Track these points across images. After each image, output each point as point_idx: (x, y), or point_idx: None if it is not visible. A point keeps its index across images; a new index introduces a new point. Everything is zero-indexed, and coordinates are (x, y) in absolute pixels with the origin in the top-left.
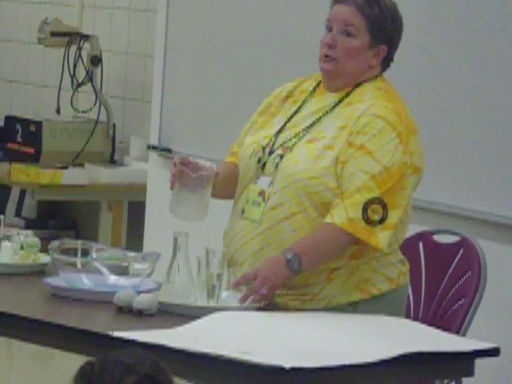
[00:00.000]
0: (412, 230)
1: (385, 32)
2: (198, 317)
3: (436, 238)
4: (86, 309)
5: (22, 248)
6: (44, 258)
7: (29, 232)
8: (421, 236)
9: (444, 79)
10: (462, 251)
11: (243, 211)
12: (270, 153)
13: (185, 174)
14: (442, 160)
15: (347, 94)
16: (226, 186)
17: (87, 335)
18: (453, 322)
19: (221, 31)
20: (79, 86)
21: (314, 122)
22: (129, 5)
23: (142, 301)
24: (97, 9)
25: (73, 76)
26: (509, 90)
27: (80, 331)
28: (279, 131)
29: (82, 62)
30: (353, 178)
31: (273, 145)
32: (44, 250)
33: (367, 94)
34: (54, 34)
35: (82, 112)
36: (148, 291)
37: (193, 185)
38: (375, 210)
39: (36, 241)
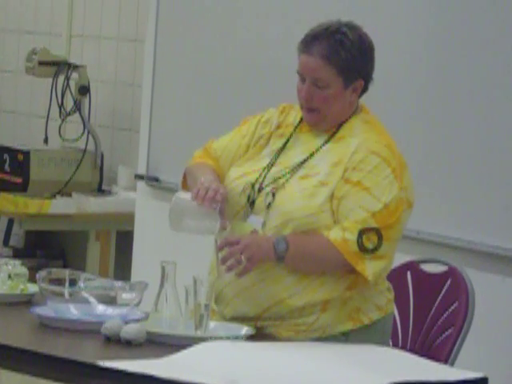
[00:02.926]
0: (400, 259)
1: (356, 70)
2: (186, 347)
3: (424, 267)
4: (73, 338)
5: (9, 278)
6: (32, 288)
7: (17, 262)
8: (409, 265)
9: (433, 110)
10: (449, 281)
11: None
12: (259, 190)
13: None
14: (430, 190)
15: (336, 131)
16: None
17: (75, 365)
18: (441, 352)
19: (209, 60)
20: (67, 115)
21: (305, 160)
22: (117, 35)
23: (129, 330)
24: (85, 38)
25: (61, 105)
26: (493, 122)
27: (67, 361)
28: (268, 167)
29: (70, 91)
30: (351, 213)
31: (262, 181)
32: (32, 279)
33: (356, 129)
34: (42, 64)
35: (70, 141)
36: (136, 321)
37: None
38: (370, 239)
39: (24, 270)
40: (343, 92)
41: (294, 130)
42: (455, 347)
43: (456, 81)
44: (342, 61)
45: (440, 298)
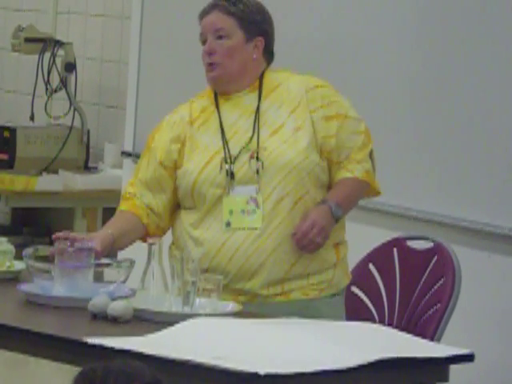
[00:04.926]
0: (386, 235)
1: (256, 24)
2: (173, 323)
3: (410, 243)
4: (60, 315)
5: None
6: (18, 265)
7: (3, 239)
8: (395, 242)
9: (423, 89)
10: (436, 257)
11: (229, 224)
12: (233, 162)
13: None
14: (416, 167)
15: (259, 86)
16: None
17: (62, 342)
18: (427, 328)
19: (195, 37)
20: (53, 92)
21: (257, 119)
22: (103, 12)
23: (116, 307)
24: (71, 15)
25: (47, 82)
26: (479, 100)
27: (55, 338)
28: (225, 143)
29: (57, 68)
30: (349, 142)
31: (230, 155)
32: (18, 256)
33: (278, 78)
34: (28, 41)
35: (56, 118)
36: (123, 298)
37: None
38: (372, 158)
39: (10, 247)
40: (244, 46)
41: (217, 106)
42: (441, 324)
43: (442, 68)
44: (241, 12)
45: (426, 274)
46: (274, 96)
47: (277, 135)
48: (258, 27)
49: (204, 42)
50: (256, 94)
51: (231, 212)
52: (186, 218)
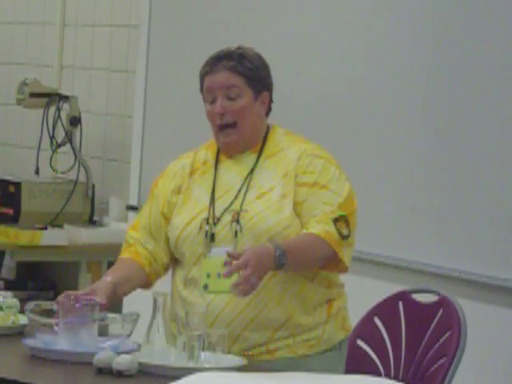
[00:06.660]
0: (391, 288)
1: (262, 80)
2: (178, 378)
3: (415, 296)
4: (65, 370)
5: (0, 309)
6: (23, 320)
7: (8, 293)
8: (400, 295)
9: (428, 142)
10: (441, 310)
11: (206, 287)
12: (215, 223)
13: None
14: (421, 220)
15: (261, 147)
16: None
17: None
18: (433, 382)
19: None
20: (58, 146)
21: (249, 182)
22: (108, 66)
23: (121, 362)
24: (76, 70)
25: (52, 137)
26: (488, 153)
27: None
28: (211, 201)
29: (61, 122)
30: (317, 210)
31: (213, 215)
32: (23, 311)
33: (282, 142)
34: (33, 95)
35: (61, 173)
36: (128, 352)
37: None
38: (342, 226)
39: (15, 302)
40: (254, 104)
41: (216, 161)
42: (447, 377)
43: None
44: (249, 70)
45: (432, 327)
46: (273, 160)
47: (262, 199)
48: (264, 83)
49: (211, 102)
50: (256, 155)
51: (208, 275)
52: (179, 273)
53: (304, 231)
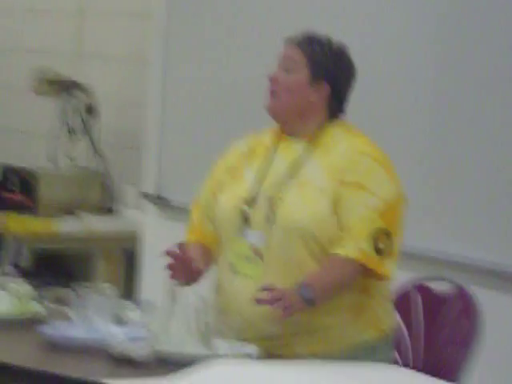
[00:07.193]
0: (407, 276)
1: (324, 68)
2: (194, 365)
3: (433, 285)
4: (81, 358)
5: (17, 298)
6: (39, 308)
7: (24, 282)
8: (418, 286)
9: (439, 129)
10: (459, 300)
11: (233, 265)
12: (253, 205)
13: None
14: (437, 208)
15: (314, 137)
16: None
17: None
18: (452, 372)
19: (217, 80)
20: (75, 135)
21: (293, 167)
22: (123, 54)
23: (136, 349)
24: (91, 58)
25: (68, 125)
26: (501, 141)
27: (75, 380)
28: (257, 182)
29: (79, 111)
30: (354, 211)
31: (255, 197)
32: (39, 299)
33: (339, 135)
34: (50, 83)
35: (78, 161)
36: (143, 339)
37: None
38: (382, 240)
39: (31, 290)
40: (306, 86)
41: (273, 145)
42: (465, 366)
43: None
44: (313, 52)
45: (451, 318)
46: (322, 152)
47: (302, 189)
48: (326, 71)
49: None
50: (307, 145)
51: (237, 255)
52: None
53: (335, 251)
